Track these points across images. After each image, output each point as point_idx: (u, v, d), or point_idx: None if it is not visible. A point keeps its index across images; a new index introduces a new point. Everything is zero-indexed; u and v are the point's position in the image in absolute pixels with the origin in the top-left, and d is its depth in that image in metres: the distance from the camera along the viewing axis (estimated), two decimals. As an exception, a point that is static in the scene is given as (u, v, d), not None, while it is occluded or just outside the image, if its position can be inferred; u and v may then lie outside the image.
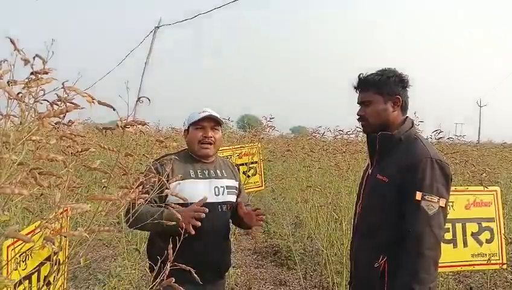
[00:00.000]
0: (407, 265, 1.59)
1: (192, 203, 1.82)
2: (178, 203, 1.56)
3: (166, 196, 1.71)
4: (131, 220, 1.38)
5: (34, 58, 0.91)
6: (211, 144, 2.01)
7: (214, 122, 2.03)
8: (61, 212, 1.17)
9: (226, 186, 2.07)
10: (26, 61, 0.90)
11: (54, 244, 0.85)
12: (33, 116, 1.02)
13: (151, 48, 5.82)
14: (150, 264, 1.89)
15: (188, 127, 2.06)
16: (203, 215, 1.76)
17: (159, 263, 1.20)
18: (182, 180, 1.85)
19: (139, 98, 1.07)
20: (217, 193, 2.02)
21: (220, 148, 4.04)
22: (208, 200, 1.95)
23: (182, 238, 1.29)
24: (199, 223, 1.74)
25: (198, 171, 2.00)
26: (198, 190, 1.95)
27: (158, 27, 5.91)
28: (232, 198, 2.09)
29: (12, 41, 0.88)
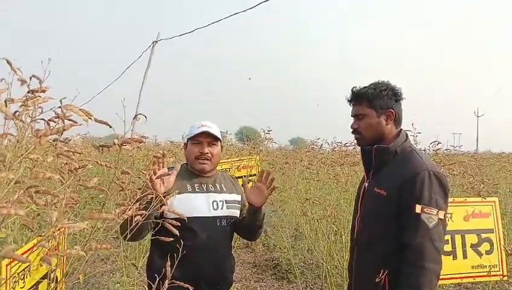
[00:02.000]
0: (409, 279, 1.58)
1: (189, 217, 1.77)
2: (174, 219, 1.55)
3: (163, 212, 1.70)
4: (128, 236, 1.36)
5: (30, 78, 0.92)
6: (207, 159, 1.98)
7: (212, 137, 1.99)
8: (58, 230, 1.17)
9: (226, 201, 2.02)
10: (23, 82, 0.91)
11: (50, 264, 0.85)
12: (30, 134, 1.03)
13: (149, 63, 5.87)
14: (148, 282, 1.82)
15: (187, 141, 2.03)
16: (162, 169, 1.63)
17: (156, 281, 1.19)
18: (179, 194, 1.81)
19: (135, 115, 1.08)
20: (215, 207, 1.97)
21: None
22: (205, 215, 1.91)
23: (179, 255, 1.28)
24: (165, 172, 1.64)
25: (195, 185, 1.96)
26: (195, 203, 1.91)
27: (156, 41, 5.96)
28: (234, 212, 2.03)
29: (8, 62, 0.89)
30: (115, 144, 1.05)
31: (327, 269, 3.72)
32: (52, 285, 1.23)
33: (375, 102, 1.78)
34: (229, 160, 4.14)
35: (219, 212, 1.97)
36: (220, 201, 2.00)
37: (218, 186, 2.03)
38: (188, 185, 1.94)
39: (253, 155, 4.12)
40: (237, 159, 4.16)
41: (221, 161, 4.09)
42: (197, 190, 1.96)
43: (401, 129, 1.85)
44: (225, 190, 2.05)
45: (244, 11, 4.88)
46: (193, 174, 1.99)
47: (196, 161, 1.97)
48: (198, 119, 2.06)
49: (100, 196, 4.06)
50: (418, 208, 1.60)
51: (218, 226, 1.96)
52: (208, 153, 1.97)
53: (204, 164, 1.97)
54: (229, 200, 2.04)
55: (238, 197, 2.10)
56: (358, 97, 1.82)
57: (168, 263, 1.24)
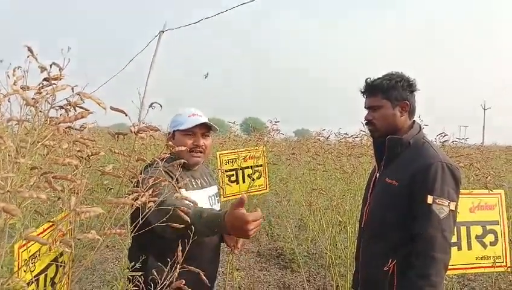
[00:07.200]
0: (418, 268, 1.61)
1: None
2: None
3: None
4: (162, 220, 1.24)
5: (50, 66, 0.93)
6: (201, 152, 1.83)
7: (205, 128, 1.83)
8: (66, 215, 1.19)
9: (215, 194, 1.96)
10: (43, 69, 0.93)
11: (71, 246, 0.87)
12: (47, 121, 1.05)
13: (156, 52, 5.86)
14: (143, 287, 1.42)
15: (174, 131, 1.84)
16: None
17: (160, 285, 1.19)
18: (186, 191, 1.72)
19: (151, 104, 1.09)
20: (211, 203, 1.89)
21: (226, 152, 4.08)
22: None
23: (178, 257, 1.22)
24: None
25: (192, 181, 1.83)
26: (201, 202, 1.75)
27: (163, 31, 5.93)
28: (219, 206, 1.98)
29: (30, 50, 0.90)
30: (131, 131, 1.07)
31: (331, 259, 3.76)
32: (61, 270, 1.26)
33: (390, 93, 1.78)
34: (236, 151, 4.15)
35: (215, 208, 1.90)
36: (212, 195, 1.92)
37: (205, 179, 1.93)
38: (188, 181, 1.78)
39: (259, 146, 4.13)
40: (244, 149, 4.18)
41: (227, 152, 4.13)
42: (195, 186, 1.83)
43: (414, 121, 1.86)
44: (211, 182, 1.97)
45: (249, 1, 4.86)
46: (184, 168, 1.77)
47: (190, 153, 1.80)
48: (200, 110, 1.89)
49: (105, 182, 4.10)
50: (430, 199, 1.62)
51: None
52: (202, 145, 1.82)
53: (198, 157, 1.83)
54: (216, 193, 1.97)
55: (216, 188, 2.02)
56: (373, 88, 1.82)
57: (179, 249, 1.25)
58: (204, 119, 1.81)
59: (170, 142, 1.75)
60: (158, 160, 1.28)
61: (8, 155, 1.00)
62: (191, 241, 1.27)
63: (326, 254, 3.86)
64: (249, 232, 1.22)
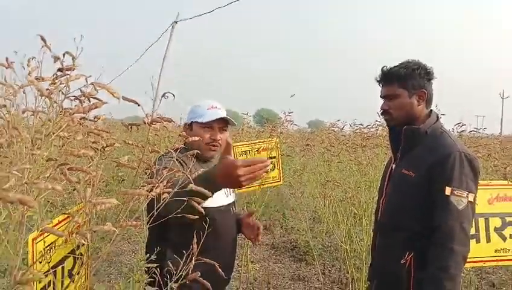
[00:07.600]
0: (437, 261, 1.58)
1: (211, 207, 1.64)
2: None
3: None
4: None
5: (63, 55, 0.93)
6: (218, 146, 1.83)
7: (224, 122, 1.83)
8: (81, 208, 1.19)
9: None
10: (56, 59, 0.92)
11: (87, 238, 0.87)
12: (61, 112, 1.05)
13: (169, 43, 5.84)
14: (158, 280, 1.43)
15: (191, 122, 1.84)
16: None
17: (174, 278, 1.19)
18: None
19: (164, 94, 1.08)
20: (227, 194, 1.88)
21: (239, 144, 4.07)
22: (223, 203, 1.82)
23: (194, 249, 1.22)
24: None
25: None
26: (217, 192, 1.76)
27: (176, 22, 5.91)
28: (234, 196, 1.97)
29: (43, 39, 0.90)
30: (144, 122, 1.06)
31: (346, 251, 3.73)
32: (78, 262, 1.26)
33: (407, 82, 1.74)
34: (249, 142, 4.14)
35: (231, 199, 1.90)
36: None
37: None
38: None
39: (272, 137, 4.11)
40: (257, 141, 4.16)
41: (241, 144, 4.11)
42: None
43: (431, 110, 1.81)
44: None
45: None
46: (200, 159, 1.80)
47: (207, 146, 1.81)
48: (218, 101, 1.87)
49: (120, 174, 4.12)
50: (448, 190, 1.59)
51: (232, 214, 1.90)
52: (219, 140, 1.82)
53: (215, 151, 1.83)
54: None
55: None
56: (389, 77, 1.78)
57: (194, 241, 1.25)
58: (223, 113, 1.81)
59: (185, 132, 1.79)
60: (172, 150, 1.26)
61: (24, 147, 1.00)
62: (206, 232, 1.27)
63: (342, 246, 3.83)
64: (240, 178, 1.12)
